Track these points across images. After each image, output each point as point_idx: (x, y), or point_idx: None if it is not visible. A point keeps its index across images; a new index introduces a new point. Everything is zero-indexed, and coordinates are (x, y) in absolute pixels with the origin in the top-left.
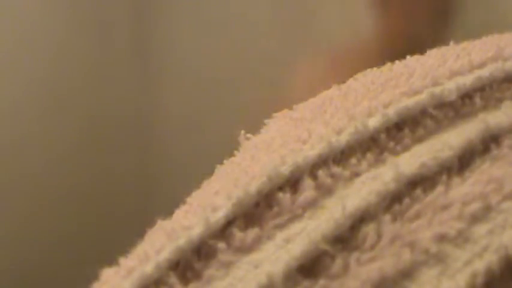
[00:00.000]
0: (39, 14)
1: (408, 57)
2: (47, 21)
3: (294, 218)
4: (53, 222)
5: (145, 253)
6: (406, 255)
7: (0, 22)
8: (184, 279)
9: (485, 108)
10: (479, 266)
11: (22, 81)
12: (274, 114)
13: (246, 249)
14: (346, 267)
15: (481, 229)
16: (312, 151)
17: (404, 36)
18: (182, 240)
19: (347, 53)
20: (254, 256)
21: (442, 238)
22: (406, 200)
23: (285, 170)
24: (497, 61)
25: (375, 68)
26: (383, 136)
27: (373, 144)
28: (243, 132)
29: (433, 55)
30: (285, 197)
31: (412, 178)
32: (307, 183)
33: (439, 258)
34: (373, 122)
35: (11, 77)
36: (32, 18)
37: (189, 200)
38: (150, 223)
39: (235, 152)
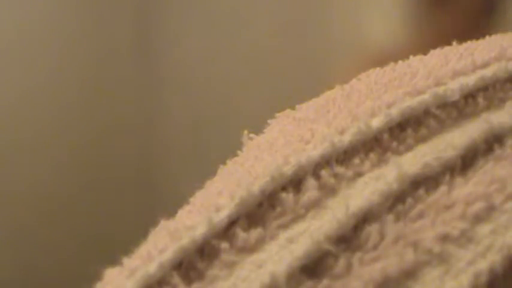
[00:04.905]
0: (42, 17)
1: (411, 57)
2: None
3: (297, 218)
4: (56, 222)
5: (149, 253)
6: (409, 255)
7: (3, 24)
8: (187, 279)
9: (488, 108)
10: (483, 266)
11: (25, 81)
12: (277, 115)
13: (249, 249)
14: (349, 267)
15: (484, 229)
16: (315, 151)
17: (453, 34)
18: (185, 240)
19: (390, 53)
20: (257, 256)
21: (445, 238)
22: (409, 200)
23: (288, 170)
24: (501, 61)
25: (378, 68)
26: (386, 136)
27: (376, 144)
28: (246, 132)
29: (436, 55)
30: (288, 197)
31: (415, 178)
32: (310, 183)
33: (442, 258)
34: (376, 122)
35: (14, 78)
36: (36, 21)
37: (192, 200)
38: (154, 223)
39: (239, 152)
